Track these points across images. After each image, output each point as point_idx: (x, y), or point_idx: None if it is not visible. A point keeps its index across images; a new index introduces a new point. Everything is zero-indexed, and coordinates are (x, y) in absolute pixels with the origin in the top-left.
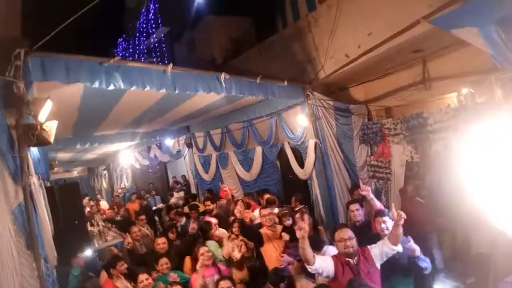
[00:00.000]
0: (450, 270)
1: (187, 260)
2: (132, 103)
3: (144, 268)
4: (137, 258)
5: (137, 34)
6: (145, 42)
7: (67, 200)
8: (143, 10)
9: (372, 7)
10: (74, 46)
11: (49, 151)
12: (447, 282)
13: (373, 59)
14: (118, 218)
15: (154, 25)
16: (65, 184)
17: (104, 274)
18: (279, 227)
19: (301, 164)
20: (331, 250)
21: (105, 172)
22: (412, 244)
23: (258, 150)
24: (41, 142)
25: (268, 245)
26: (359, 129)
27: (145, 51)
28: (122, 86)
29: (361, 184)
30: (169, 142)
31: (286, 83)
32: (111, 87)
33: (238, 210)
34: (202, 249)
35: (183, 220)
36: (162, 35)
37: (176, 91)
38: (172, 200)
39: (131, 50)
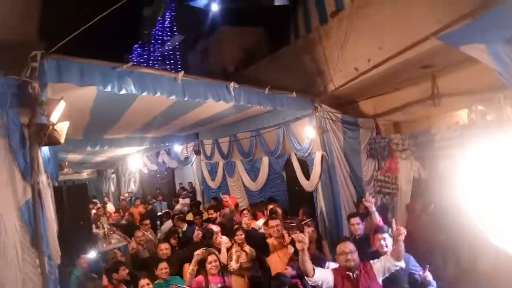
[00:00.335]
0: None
1: (186, 267)
2: (143, 108)
3: (145, 273)
4: (139, 263)
5: (152, 41)
6: (160, 49)
7: (74, 200)
8: (159, 18)
9: (382, 22)
10: (89, 51)
11: (60, 152)
12: None
13: (382, 73)
14: (124, 222)
15: (169, 33)
16: (73, 185)
17: (105, 279)
18: (287, 239)
19: (307, 176)
20: (332, 266)
21: (113, 175)
22: (428, 275)
23: (265, 160)
24: (52, 142)
25: (274, 255)
26: (367, 143)
27: (159, 58)
28: (134, 91)
29: (367, 195)
30: (177, 148)
31: (294, 94)
32: (123, 91)
33: (246, 222)
34: (211, 257)
35: (185, 226)
36: (177, 43)
37: (186, 98)
38: (177, 207)
39: (145, 56)
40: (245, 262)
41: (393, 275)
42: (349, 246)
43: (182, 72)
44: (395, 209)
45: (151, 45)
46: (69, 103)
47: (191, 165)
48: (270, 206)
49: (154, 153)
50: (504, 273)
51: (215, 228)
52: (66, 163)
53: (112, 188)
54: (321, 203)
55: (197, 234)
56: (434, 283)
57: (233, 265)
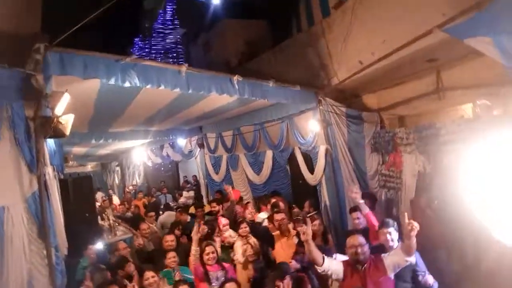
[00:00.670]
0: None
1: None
2: (147, 102)
3: (151, 265)
4: (145, 256)
5: (154, 35)
6: (161, 42)
7: (80, 192)
8: (160, 11)
9: (387, 15)
10: (91, 44)
11: (65, 145)
12: None
13: (386, 67)
14: (129, 214)
15: (170, 26)
16: (79, 177)
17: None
18: (293, 232)
19: (311, 170)
20: (340, 257)
21: (118, 168)
22: (429, 279)
23: (269, 153)
24: (57, 134)
25: (279, 248)
26: (371, 137)
27: (161, 51)
28: (138, 84)
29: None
30: (181, 141)
31: (299, 87)
32: (127, 84)
33: (250, 211)
34: (208, 249)
35: (188, 218)
36: (179, 36)
37: (190, 91)
38: (181, 200)
39: (147, 50)
40: (251, 254)
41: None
42: (359, 239)
43: (186, 65)
44: (400, 204)
45: (152, 39)
46: (73, 96)
47: (195, 158)
48: (273, 200)
49: (158, 146)
50: (507, 269)
51: (224, 221)
52: (71, 155)
53: (117, 180)
54: (325, 196)
55: (203, 227)
56: (435, 285)
57: (239, 258)
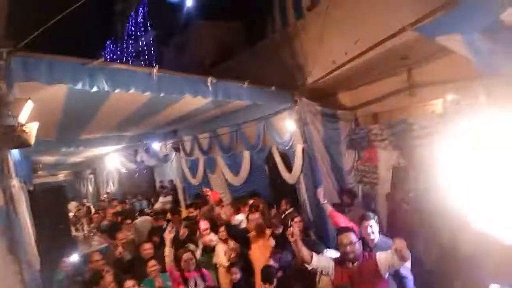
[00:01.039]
0: (437, 273)
1: None
2: (118, 106)
3: (131, 275)
4: (124, 266)
5: (125, 37)
6: (134, 45)
7: (51, 204)
8: (131, 13)
9: (360, 15)
10: (61, 49)
11: (33, 154)
12: None
13: (360, 66)
14: (105, 223)
15: (142, 28)
16: (50, 187)
17: None
18: (268, 232)
19: (289, 169)
20: (330, 252)
21: (91, 176)
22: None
23: (246, 154)
24: (22, 144)
25: (255, 249)
26: (347, 135)
27: (133, 54)
28: (106, 88)
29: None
30: (156, 146)
31: (273, 88)
32: (95, 89)
33: (224, 212)
34: (186, 256)
35: (164, 223)
36: (151, 38)
37: (162, 94)
38: (157, 205)
39: (119, 53)
40: (234, 257)
41: None
42: (350, 237)
43: (157, 66)
44: (376, 198)
45: (124, 41)
46: (39, 102)
47: (171, 162)
48: (251, 201)
49: (132, 152)
50: (484, 258)
51: (204, 225)
52: (40, 165)
53: (90, 189)
54: (303, 195)
55: (183, 232)
56: (410, 276)
57: (224, 262)
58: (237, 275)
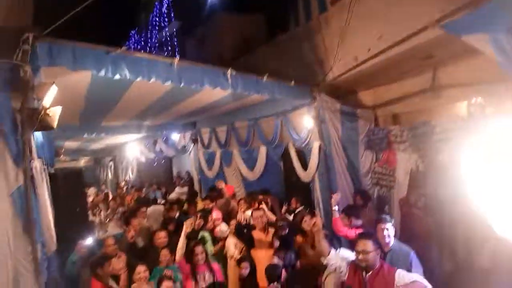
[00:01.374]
0: (451, 285)
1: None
2: (139, 95)
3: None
4: (138, 252)
5: (150, 27)
6: (157, 35)
7: (70, 187)
8: (156, 4)
9: (384, 11)
10: (86, 38)
11: (56, 139)
12: None
13: (382, 63)
14: (120, 209)
15: (166, 19)
16: (69, 171)
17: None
18: (270, 231)
19: (305, 166)
20: (344, 251)
21: (111, 163)
22: None
23: (262, 149)
24: (44, 126)
25: (259, 248)
26: (365, 135)
27: (157, 44)
28: (128, 76)
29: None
30: (175, 136)
31: (293, 83)
32: (117, 76)
33: (241, 210)
34: (197, 249)
35: (177, 214)
36: (174, 29)
37: (182, 84)
38: (172, 195)
39: (142, 43)
40: (245, 251)
41: None
42: (366, 245)
43: (178, 57)
44: (392, 202)
45: (148, 32)
46: (63, 88)
47: (189, 153)
48: (260, 197)
49: (151, 141)
50: (502, 269)
51: (216, 215)
52: (63, 150)
53: (110, 176)
54: (317, 193)
55: (199, 223)
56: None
57: (236, 254)
58: (246, 270)
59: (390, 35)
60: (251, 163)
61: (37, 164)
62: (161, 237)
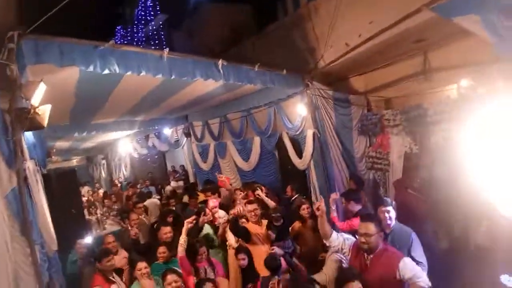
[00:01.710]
0: (447, 263)
1: None
2: (130, 90)
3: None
4: (141, 248)
5: (135, 22)
6: (143, 29)
7: (64, 187)
8: None
9: None
10: (71, 34)
11: (47, 139)
12: None
13: (373, 48)
14: (117, 207)
15: (152, 13)
16: (62, 171)
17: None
18: (264, 222)
19: (300, 154)
20: (345, 235)
21: (103, 161)
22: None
23: (256, 140)
24: (35, 126)
25: (255, 242)
26: (358, 120)
27: (143, 38)
28: (117, 71)
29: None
30: (167, 131)
31: (285, 71)
32: (106, 71)
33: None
34: (201, 250)
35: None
36: (160, 22)
37: (173, 77)
38: (167, 188)
39: (129, 37)
40: (241, 243)
41: None
42: (367, 227)
43: (167, 49)
44: (387, 185)
45: (134, 26)
46: (52, 86)
47: (182, 147)
48: (255, 185)
49: (143, 137)
50: (498, 247)
51: (212, 203)
52: (54, 150)
53: (103, 174)
54: (313, 180)
55: (203, 219)
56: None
57: (234, 243)
58: (244, 260)
59: (381, 20)
60: (245, 154)
61: (29, 165)
62: (166, 232)
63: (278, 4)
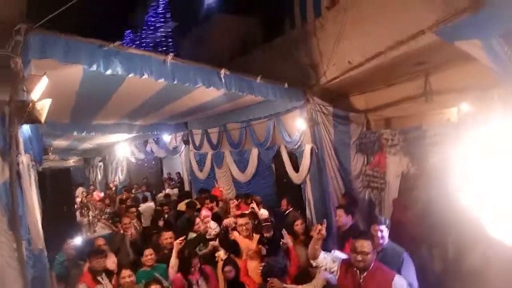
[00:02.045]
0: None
1: None
2: (132, 93)
3: (129, 264)
4: (139, 250)
5: (145, 27)
6: (152, 35)
7: (58, 186)
8: (152, 4)
9: (379, 17)
10: (79, 32)
11: (46, 137)
12: None
13: (375, 68)
14: (108, 210)
15: (162, 19)
16: (57, 170)
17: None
18: (255, 237)
19: (296, 168)
20: (338, 253)
21: (101, 163)
22: None
23: (254, 151)
24: (32, 120)
25: (246, 256)
26: (357, 138)
27: (151, 44)
28: (120, 72)
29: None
30: (166, 137)
31: (286, 85)
32: (109, 71)
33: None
34: (194, 262)
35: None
36: (170, 29)
37: (175, 82)
38: (160, 195)
39: (137, 42)
40: (227, 256)
41: None
42: (363, 245)
43: (171, 54)
44: (382, 204)
45: (144, 31)
46: (54, 82)
47: (180, 155)
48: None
49: (142, 142)
50: (492, 270)
51: (205, 212)
52: (51, 148)
53: (99, 176)
54: (309, 195)
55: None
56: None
57: (223, 255)
58: (231, 273)
59: (384, 41)
60: (242, 164)
61: (23, 159)
62: (167, 237)
63: (286, 17)
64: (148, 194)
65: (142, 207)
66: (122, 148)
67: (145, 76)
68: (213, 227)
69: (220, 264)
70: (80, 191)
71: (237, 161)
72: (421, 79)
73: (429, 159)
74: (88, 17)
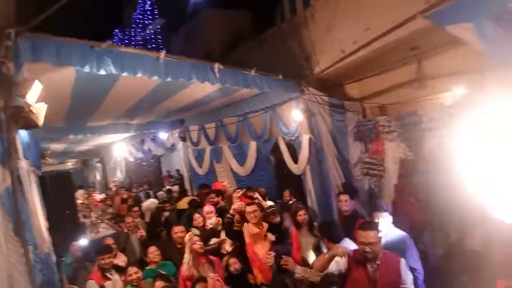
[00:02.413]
0: (443, 268)
1: None
2: (126, 92)
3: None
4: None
5: (133, 25)
6: (141, 33)
7: (59, 190)
8: (139, 1)
9: (370, 3)
10: (69, 33)
11: (42, 141)
12: None
13: (368, 55)
14: (110, 210)
15: (150, 16)
16: (57, 174)
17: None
18: (265, 225)
19: (295, 159)
20: (348, 242)
21: (99, 164)
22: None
23: (252, 144)
24: (30, 125)
25: (254, 243)
26: (354, 126)
27: (141, 42)
28: (113, 71)
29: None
30: (163, 135)
31: (281, 77)
32: (102, 71)
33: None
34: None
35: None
36: (158, 26)
37: (169, 79)
38: (160, 192)
39: (126, 41)
40: (233, 248)
41: None
42: (371, 235)
43: (164, 51)
44: (382, 190)
45: (132, 29)
46: (47, 86)
47: (178, 152)
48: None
49: (139, 141)
50: (495, 251)
51: (208, 208)
52: (49, 152)
53: (98, 177)
54: (309, 185)
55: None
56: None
57: (227, 247)
58: (236, 265)
59: (376, 27)
60: (241, 158)
61: (23, 164)
62: (177, 232)
63: (276, 10)
64: (151, 192)
65: (146, 203)
66: (119, 148)
67: (139, 74)
68: (213, 223)
69: (225, 258)
70: (80, 193)
71: (236, 155)
72: (415, 65)
73: (425, 144)
74: (76, 16)
